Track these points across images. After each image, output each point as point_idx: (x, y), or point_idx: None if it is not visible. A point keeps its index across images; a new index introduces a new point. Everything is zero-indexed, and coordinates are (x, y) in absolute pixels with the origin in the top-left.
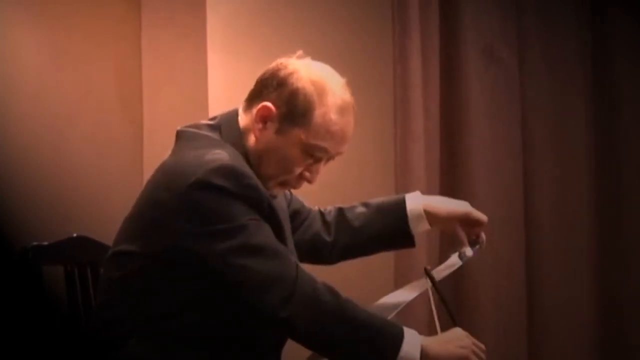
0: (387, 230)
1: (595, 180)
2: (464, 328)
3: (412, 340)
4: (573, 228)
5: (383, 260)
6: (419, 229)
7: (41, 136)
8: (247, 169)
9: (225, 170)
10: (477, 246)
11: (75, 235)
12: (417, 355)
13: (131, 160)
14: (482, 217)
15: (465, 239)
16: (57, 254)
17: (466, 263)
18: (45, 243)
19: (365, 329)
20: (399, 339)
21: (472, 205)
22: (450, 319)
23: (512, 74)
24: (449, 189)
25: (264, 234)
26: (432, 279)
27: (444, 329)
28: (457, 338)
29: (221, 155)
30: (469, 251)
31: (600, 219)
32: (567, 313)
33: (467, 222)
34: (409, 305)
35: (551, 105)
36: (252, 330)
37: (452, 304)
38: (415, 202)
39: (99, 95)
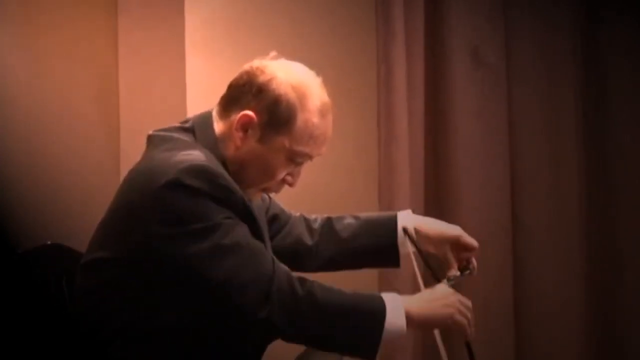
0: (375, 246)
1: (585, 182)
2: (452, 334)
3: (395, 308)
4: (563, 231)
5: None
6: (408, 248)
7: (13, 139)
8: (220, 169)
9: (198, 170)
10: (467, 272)
11: (49, 242)
12: (403, 323)
13: (107, 164)
14: (473, 242)
15: (454, 263)
16: (31, 262)
17: None
18: (19, 251)
19: (345, 314)
20: (381, 314)
21: (458, 208)
22: (434, 277)
23: (500, 76)
24: (434, 193)
25: (239, 232)
26: (411, 238)
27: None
28: (441, 295)
29: (193, 155)
30: (457, 275)
31: (590, 221)
32: (556, 319)
33: (458, 245)
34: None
35: (540, 108)
36: (233, 333)
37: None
38: (407, 220)
39: (74, 97)
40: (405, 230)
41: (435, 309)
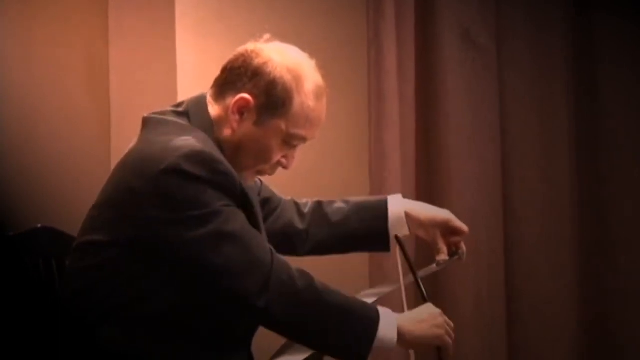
0: (365, 230)
1: (577, 168)
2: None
3: (388, 322)
4: (555, 219)
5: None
6: (398, 233)
7: (4, 123)
8: (218, 155)
9: (197, 156)
10: (457, 256)
11: (40, 226)
12: (394, 337)
13: (98, 147)
14: (463, 226)
15: (444, 248)
16: (21, 245)
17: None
18: (10, 234)
19: (342, 314)
20: (375, 322)
21: (450, 192)
22: (421, 295)
23: (491, 59)
24: (425, 177)
25: (238, 221)
26: (402, 246)
27: (413, 304)
28: (430, 316)
29: (191, 141)
30: (447, 259)
31: (583, 208)
32: (549, 304)
33: (448, 230)
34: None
35: (532, 92)
36: (224, 318)
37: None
38: (397, 204)
39: (64, 80)
40: (397, 238)
41: (426, 329)
